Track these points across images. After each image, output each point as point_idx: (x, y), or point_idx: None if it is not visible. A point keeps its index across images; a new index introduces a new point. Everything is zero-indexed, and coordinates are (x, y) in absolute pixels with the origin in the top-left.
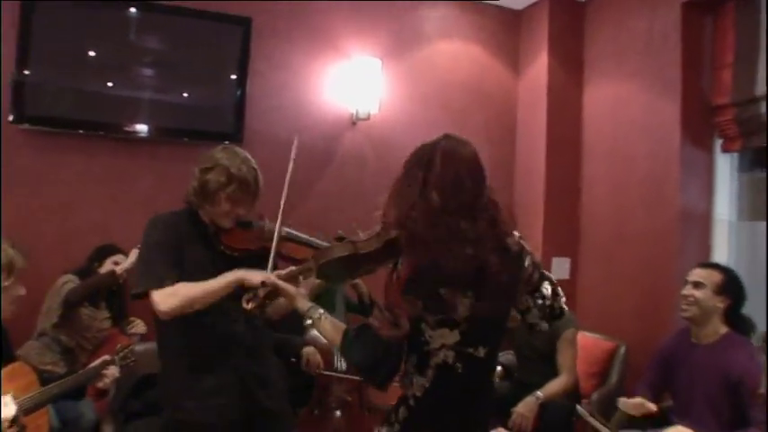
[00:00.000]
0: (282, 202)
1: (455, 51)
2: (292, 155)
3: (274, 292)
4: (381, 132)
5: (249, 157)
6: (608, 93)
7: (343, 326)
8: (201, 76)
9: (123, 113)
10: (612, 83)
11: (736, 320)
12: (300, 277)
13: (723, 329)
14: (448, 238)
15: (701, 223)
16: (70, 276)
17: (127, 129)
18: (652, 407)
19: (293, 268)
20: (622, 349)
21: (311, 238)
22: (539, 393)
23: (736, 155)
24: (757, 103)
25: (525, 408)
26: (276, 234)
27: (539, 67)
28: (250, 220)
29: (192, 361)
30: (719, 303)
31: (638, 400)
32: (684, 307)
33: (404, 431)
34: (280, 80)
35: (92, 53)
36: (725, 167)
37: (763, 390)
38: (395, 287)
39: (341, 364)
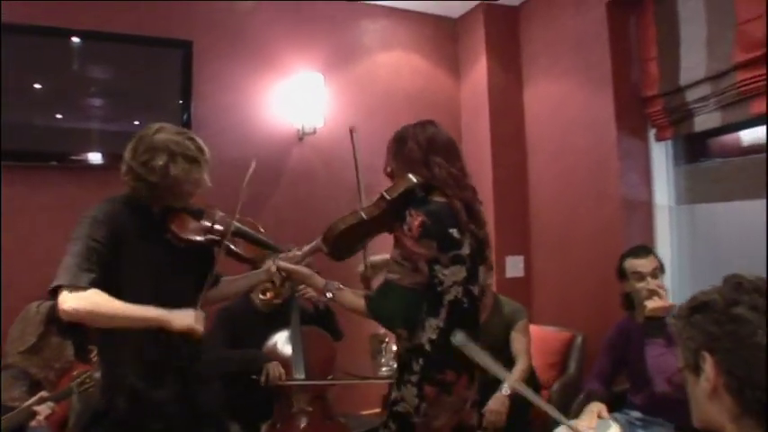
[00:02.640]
0: (241, 200)
1: (396, 62)
2: (250, 170)
3: (288, 277)
4: (328, 145)
5: (184, 130)
6: (547, 91)
7: (360, 293)
8: (148, 102)
9: (74, 144)
10: (550, 82)
11: None
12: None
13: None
14: (461, 183)
15: (643, 210)
16: (41, 301)
17: (79, 157)
18: (604, 413)
19: (302, 251)
20: (579, 339)
21: (260, 236)
22: (506, 386)
23: (669, 143)
24: (682, 92)
25: (497, 404)
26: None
27: (479, 72)
28: (202, 208)
29: (144, 364)
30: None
31: (592, 413)
32: (656, 299)
33: (425, 378)
34: (225, 101)
35: (37, 86)
36: (660, 156)
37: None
38: (408, 237)
39: (300, 374)
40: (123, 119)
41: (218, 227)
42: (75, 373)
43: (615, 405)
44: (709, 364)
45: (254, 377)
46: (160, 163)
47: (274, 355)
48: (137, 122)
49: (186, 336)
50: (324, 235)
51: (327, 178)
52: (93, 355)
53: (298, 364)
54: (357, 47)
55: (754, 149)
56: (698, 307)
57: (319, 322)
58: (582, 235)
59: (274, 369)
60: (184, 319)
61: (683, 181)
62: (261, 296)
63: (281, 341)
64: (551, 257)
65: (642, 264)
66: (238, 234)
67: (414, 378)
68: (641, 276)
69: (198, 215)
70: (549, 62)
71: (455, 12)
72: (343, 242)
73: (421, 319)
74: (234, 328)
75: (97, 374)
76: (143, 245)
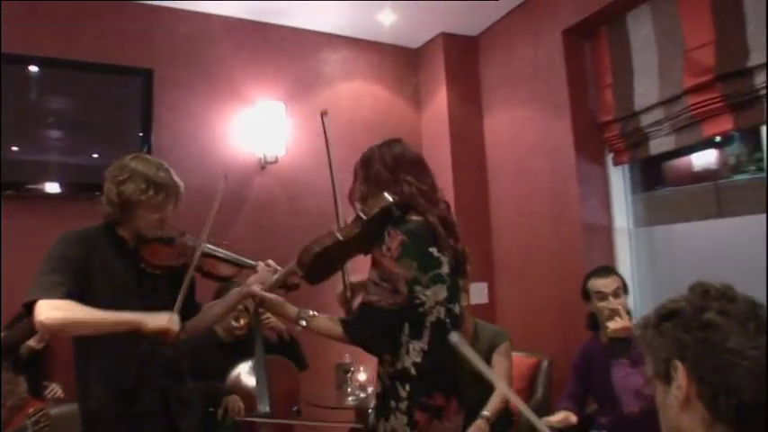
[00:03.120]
0: (210, 222)
1: (357, 91)
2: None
3: (260, 303)
4: (290, 174)
5: (161, 162)
6: (506, 119)
7: (335, 317)
8: (108, 133)
9: (32, 175)
10: (509, 109)
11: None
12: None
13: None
14: (432, 198)
15: (603, 233)
16: None
17: (36, 186)
18: (573, 418)
19: (276, 276)
20: (545, 363)
21: (233, 255)
22: (486, 413)
23: (626, 171)
24: (637, 116)
25: (476, 431)
26: (197, 252)
27: (439, 101)
28: (172, 235)
29: (120, 385)
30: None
31: (560, 414)
32: (618, 320)
33: (414, 404)
34: (185, 130)
35: None
36: (618, 179)
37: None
38: (387, 258)
39: (264, 406)
40: (82, 151)
41: (189, 251)
42: (30, 411)
43: (586, 426)
44: (680, 373)
45: (211, 410)
46: (131, 186)
47: (238, 386)
48: (95, 155)
49: (161, 337)
50: (298, 257)
51: (289, 207)
52: (49, 391)
53: (262, 396)
54: (318, 76)
55: (703, 176)
56: (666, 315)
57: (283, 352)
58: (544, 259)
59: (234, 403)
60: (158, 319)
61: (640, 208)
62: (234, 323)
63: (245, 372)
64: (514, 283)
65: (604, 283)
66: (209, 255)
67: (402, 405)
68: (603, 296)
69: (169, 242)
70: (508, 90)
71: (415, 42)
72: (319, 265)
73: (404, 342)
74: (196, 360)
75: (54, 411)
76: (118, 273)
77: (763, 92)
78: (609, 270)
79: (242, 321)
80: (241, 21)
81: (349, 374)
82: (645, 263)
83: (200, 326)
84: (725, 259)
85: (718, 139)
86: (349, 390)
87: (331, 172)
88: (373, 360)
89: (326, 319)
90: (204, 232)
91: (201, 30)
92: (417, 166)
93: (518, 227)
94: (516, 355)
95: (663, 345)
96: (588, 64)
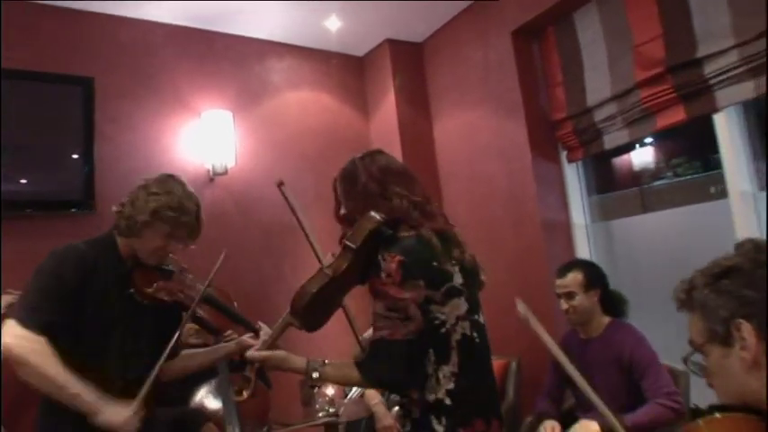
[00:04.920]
0: (215, 269)
1: (304, 100)
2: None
3: (261, 366)
4: (240, 185)
5: (198, 198)
6: (458, 122)
7: (348, 361)
8: (42, 155)
9: None
10: (460, 112)
11: (611, 302)
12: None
13: (606, 319)
14: (426, 210)
15: (562, 230)
16: None
17: None
18: (558, 429)
19: (272, 333)
20: (514, 365)
21: (229, 307)
22: None
23: (580, 164)
24: (590, 112)
25: None
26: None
27: (387, 108)
28: (172, 269)
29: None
30: (594, 297)
31: (547, 426)
32: (571, 318)
33: None
34: (129, 143)
35: None
36: (573, 176)
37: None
38: (390, 284)
39: (233, 426)
40: (10, 179)
41: (187, 290)
42: None
43: (567, 422)
44: (747, 332)
45: None
46: (163, 199)
47: (203, 409)
48: (23, 181)
49: None
50: (291, 306)
51: (241, 219)
52: None
53: (230, 418)
54: (265, 85)
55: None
56: (723, 273)
57: (245, 370)
58: (505, 260)
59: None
60: (115, 415)
61: (597, 206)
62: (237, 397)
63: (208, 394)
64: None
65: (559, 284)
66: (208, 301)
67: None
68: (558, 296)
69: (168, 275)
70: (457, 93)
71: (361, 50)
72: (315, 310)
73: (431, 372)
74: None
75: None
76: (108, 295)
77: (713, 81)
78: (567, 268)
79: (245, 393)
80: (184, 28)
81: (315, 390)
82: (603, 256)
83: (177, 374)
84: (680, 248)
85: (637, 146)
86: (317, 406)
87: (305, 232)
88: None
89: (340, 366)
90: (210, 277)
91: (144, 37)
92: (405, 176)
93: (475, 229)
94: None
95: (722, 304)
96: (538, 63)
